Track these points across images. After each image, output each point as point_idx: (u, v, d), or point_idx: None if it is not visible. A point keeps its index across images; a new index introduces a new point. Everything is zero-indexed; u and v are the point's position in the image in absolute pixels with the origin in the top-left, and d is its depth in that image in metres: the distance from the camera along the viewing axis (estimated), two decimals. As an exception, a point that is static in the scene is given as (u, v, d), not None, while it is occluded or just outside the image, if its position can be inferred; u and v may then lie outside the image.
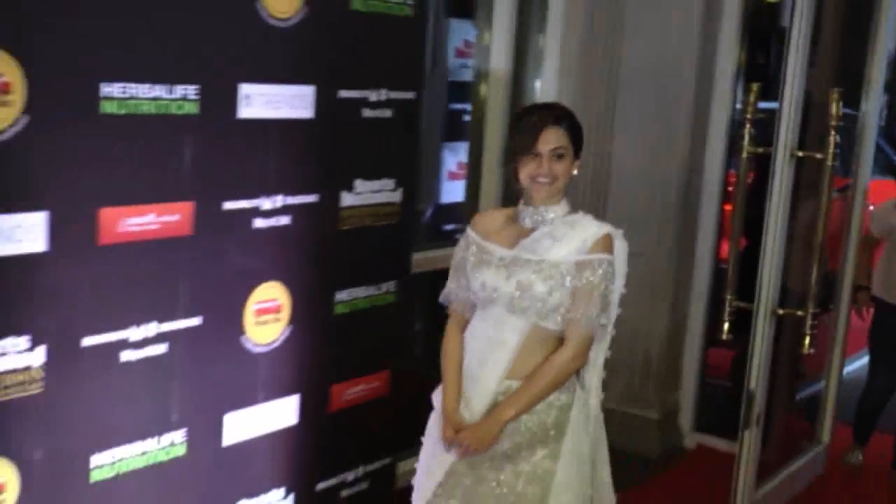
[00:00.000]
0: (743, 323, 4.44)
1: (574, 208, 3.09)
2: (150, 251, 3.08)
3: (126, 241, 3.01)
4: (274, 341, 3.52)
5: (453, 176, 5.88)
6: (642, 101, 5.49)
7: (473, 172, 5.32)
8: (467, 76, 5.45)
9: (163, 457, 3.21)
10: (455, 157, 5.80)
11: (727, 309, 4.43)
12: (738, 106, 5.64)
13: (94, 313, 2.98)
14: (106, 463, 3.07)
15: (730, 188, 5.67)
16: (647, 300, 5.55)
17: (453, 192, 5.76)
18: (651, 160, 5.50)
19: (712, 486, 4.94)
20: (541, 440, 3.03)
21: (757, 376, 4.34)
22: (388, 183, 3.88)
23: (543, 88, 5.35)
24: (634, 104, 5.51)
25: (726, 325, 4.45)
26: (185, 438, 3.28)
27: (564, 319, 2.98)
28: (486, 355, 3.05)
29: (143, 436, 3.16)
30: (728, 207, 5.42)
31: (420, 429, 3.22)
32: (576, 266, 2.97)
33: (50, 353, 2.88)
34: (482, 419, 3.03)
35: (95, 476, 3.05)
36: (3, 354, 2.79)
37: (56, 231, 2.84)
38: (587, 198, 5.41)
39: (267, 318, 3.48)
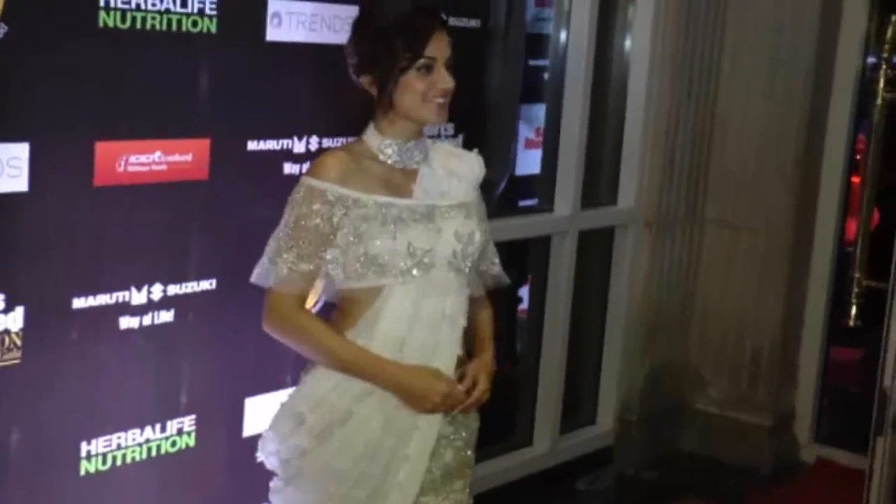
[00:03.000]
0: (874, 311, 4.28)
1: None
2: (156, 197, 3.06)
3: (126, 183, 2.98)
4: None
5: (531, 144, 5.93)
6: (755, 44, 5.42)
7: (551, 140, 5.24)
8: (547, 28, 5.38)
9: (167, 447, 3.19)
10: (533, 122, 5.87)
11: (855, 290, 4.29)
12: (871, 59, 5.49)
13: (87, 270, 2.95)
14: (99, 452, 3.04)
15: (858, 157, 5.60)
16: (755, 285, 5.51)
17: (530, 162, 5.78)
18: (764, 115, 5.42)
19: (836, 508, 4.93)
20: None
21: (893, 371, 4.12)
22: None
23: (636, 28, 5.33)
24: (745, 47, 5.45)
25: (854, 310, 4.31)
26: (194, 426, 3.25)
27: (479, 271, 2.96)
28: (436, 337, 2.83)
29: (144, 422, 3.14)
30: (856, 180, 5.35)
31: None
32: (480, 204, 2.96)
33: (31, 317, 2.84)
34: (478, 365, 2.90)
35: (86, 467, 3.02)
36: (-27, 316, 2.75)
37: (40, 167, 2.79)
38: (685, 157, 5.39)
39: (298, 283, 3.40)
